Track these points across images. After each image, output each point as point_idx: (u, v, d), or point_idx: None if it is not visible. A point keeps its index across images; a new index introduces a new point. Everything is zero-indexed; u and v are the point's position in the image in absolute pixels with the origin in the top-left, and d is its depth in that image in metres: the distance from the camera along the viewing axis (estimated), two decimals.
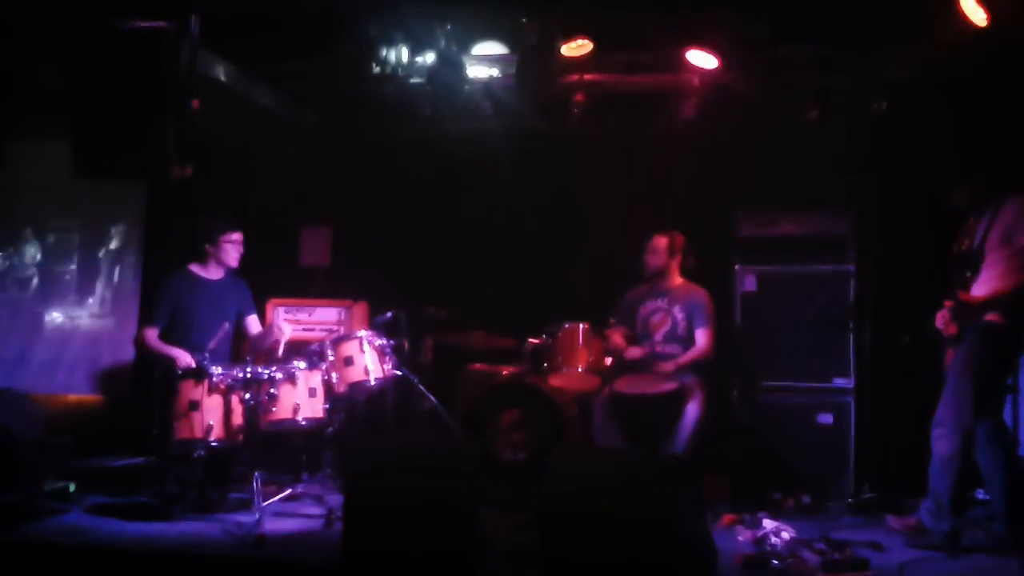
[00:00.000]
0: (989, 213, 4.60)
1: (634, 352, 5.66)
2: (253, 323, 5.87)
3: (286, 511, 5.10)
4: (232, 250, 5.65)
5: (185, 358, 5.32)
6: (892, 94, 5.59)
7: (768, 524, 4.67)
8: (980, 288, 4.57)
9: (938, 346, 4.79)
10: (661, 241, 5.79)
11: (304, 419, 5.17)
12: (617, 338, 5.72)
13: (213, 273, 5.69)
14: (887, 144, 5.95)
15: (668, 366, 5.56)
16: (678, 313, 5.72)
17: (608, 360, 5.67)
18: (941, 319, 4.73)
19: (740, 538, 4.67)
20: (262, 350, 5.69)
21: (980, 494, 5.01)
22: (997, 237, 4.53)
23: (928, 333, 4.77)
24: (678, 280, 5.83)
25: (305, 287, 6.99)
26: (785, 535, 4.52)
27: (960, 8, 4.78)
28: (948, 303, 4.61)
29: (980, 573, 4.27)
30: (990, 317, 4.50)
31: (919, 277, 5.31)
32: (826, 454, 5.62)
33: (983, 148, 4.92)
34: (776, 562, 4.18)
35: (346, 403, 5.68)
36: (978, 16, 4.78)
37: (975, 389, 4.51)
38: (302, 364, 5.27)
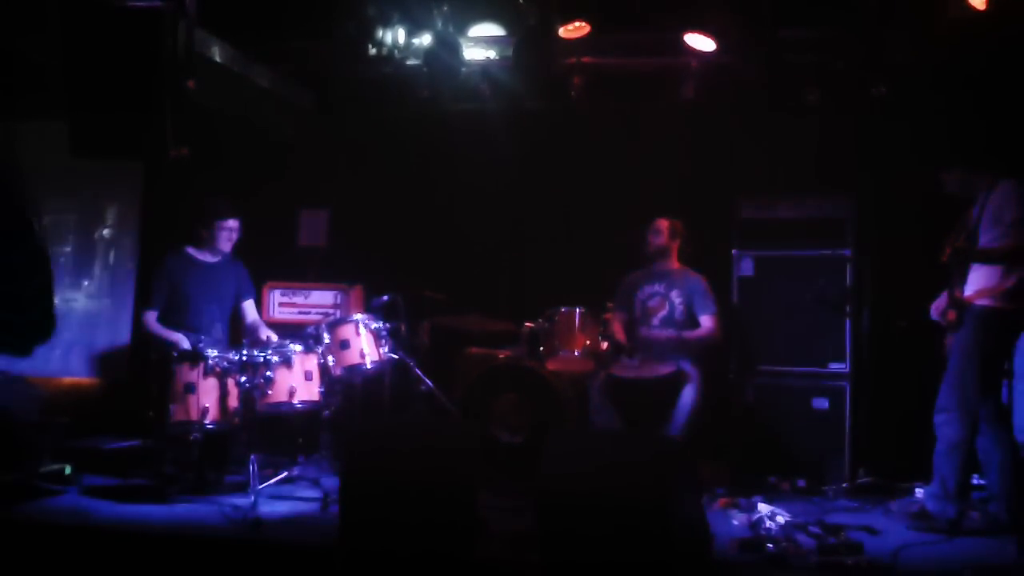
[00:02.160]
0: (981, 199, 4.64)
1: (633, 358, 5.66)
2: (249, 308, 5.84)
3: (282, 494, 5.10)
4: (226, 236, 5.62)
5: (184, 343, 5.31)
6: (892, 78, 5.57)
7: (763, 508, 4.68)
8: (976, 274, 4.61)
9: (934, 332, 4.81)
10: (663, 223, 5.83)
11: (300, 402, 5.17)
12: (620, 334, 5.74)
13: (210, 256, 5.67)
14: (887, 128, 5.93)
15: (671, 335, 5.55)
16: (676, 298, 5.73)
17: (605, 344, 5.67)
18: (936, 310, 4.80)
19: (735, 522, 4.68)
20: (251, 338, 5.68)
21: (975, 478, 5.03)
22: (989, 220, 4.58)
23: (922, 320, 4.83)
24: (676, 264, 5.83)
25: (302, 269, 6.97)
26: (780, 519, 4.53)
27: None
28: (946, 299, 4.68)
29: (976, 555, 4.28)
30: (987, 302, 4.53)
31: (917, 262, 5.30)
32: (822, 438, 5.63)
33: (982, 133, 4.92)
34: (771, 546, 4.18)
35: (343, 386, 5.68)
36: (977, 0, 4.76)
37: (979, 372, 4.55)
38: (298, 347, 5.26)
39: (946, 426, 4.61)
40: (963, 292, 4.64)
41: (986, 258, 4.59)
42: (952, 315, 4.66)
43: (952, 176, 4.78)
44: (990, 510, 4.66)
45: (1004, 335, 4.64)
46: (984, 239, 4.60)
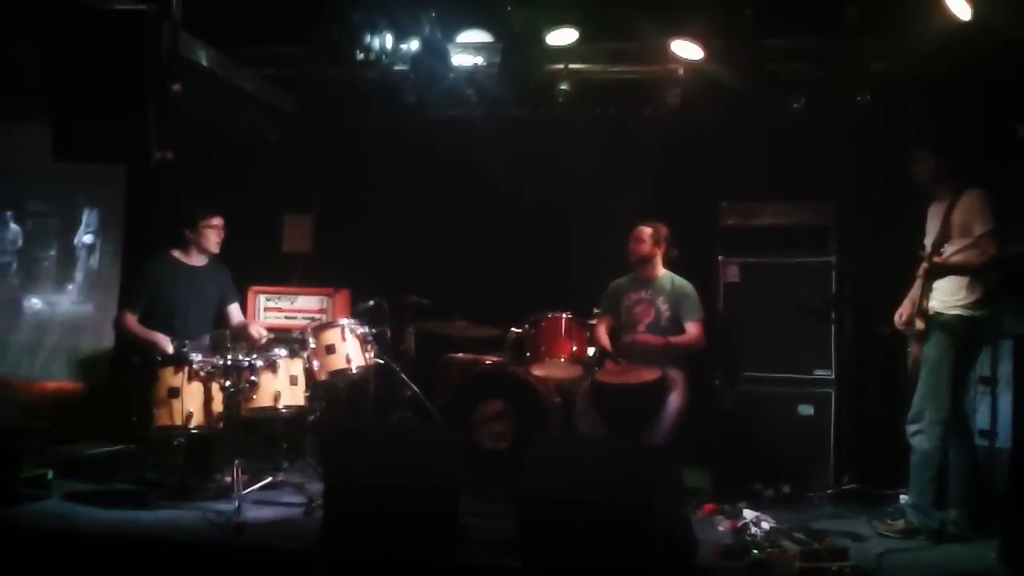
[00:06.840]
0: (945, 207, 4.67)
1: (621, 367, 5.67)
2: (235, 311, 5.83)
3: (267, 499, 5.08)
4: (212, 235, 5.61)
5: (165, 342, 5.29)
6: (876, 87, 5.61)
7: (748, 514, 4.70)
8: (944, 284, 4.64)
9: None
10: (646, 231, 5.79)
11: (285, 407, 5.15)
12: (605, 339, 5.74)
13: (195, 259, 5.65)
14: (870, 136, 5.97)
15: (658, 340, 5.56)
16: (662, 304, 5.73)
17: (590, 350, 5.68)
18: (900, 318, 4.87)
19: (720, 528, 4.70)
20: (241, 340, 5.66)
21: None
22: (956, 229, 4.60)
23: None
24: (662, 271, 5.83)
25: (287, 275, 6.96)
26: (765, 525, 4.55)
27: (944, 2, 4.78)
28: (922, 269, 4.67)
29: (956, 560, 4.31)
30: (956, 312, 4.57)
31: (900, 269, 5.33)
32: (806, 445, 5.64)
33: (960, 140, 4.96)
34: (755, 552, 4.20)
35: (327, 391, 5.66)
36: (961, 10, 4.79)
37: (950, 381, 4.57)
38: (283, 352, 5.25)
39: (918, 437, 4.63)
40: (930, 302, 4.66)
41: (962, 271, 4.60)
42: (920, 325, 4.68)
43: (925, 163, 4.78)
44: (951, 517, 4.65)
45: (972, 344, 4.66)
46: (951, 249, 4.61)
